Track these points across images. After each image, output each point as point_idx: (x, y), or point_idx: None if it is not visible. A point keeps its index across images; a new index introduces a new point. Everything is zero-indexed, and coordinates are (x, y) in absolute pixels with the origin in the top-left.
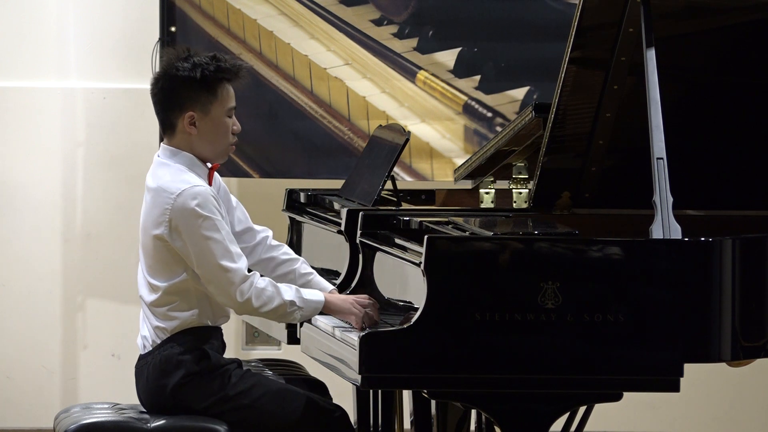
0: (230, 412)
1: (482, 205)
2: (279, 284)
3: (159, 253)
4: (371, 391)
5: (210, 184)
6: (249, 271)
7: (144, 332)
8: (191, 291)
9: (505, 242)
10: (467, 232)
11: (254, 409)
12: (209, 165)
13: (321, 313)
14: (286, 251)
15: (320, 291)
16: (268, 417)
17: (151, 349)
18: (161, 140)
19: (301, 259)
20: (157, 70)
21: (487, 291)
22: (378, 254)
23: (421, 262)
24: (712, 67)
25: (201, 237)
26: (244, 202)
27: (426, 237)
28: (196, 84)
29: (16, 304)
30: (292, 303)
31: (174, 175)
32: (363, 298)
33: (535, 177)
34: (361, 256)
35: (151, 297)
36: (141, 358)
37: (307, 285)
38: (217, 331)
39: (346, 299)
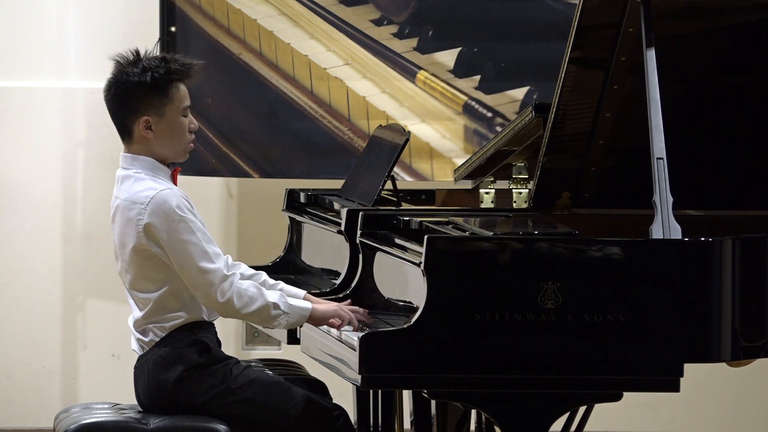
0: (231, 405)
1: (482, 205)
2: (263, 288)
3: (141, 266)
4: (371, 391)
5: (175, 185)
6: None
7: (138, 335)
8: (182, 291)
9: (505, 242)
10: (467, 232)
11: (255, 404)
12: (171, 166)
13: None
14: (247, 267)
15: (306, 300)
16: (268, 413)
17: (148, 348)
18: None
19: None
20: (110, 76)
21: (487, 291)
22: (378, 254)
23: (421, 262)
24: (712, 67)
25: (177, 241)
26: (244, 202)
27: (426, 237)
28: (148, 88)
29: (16, 304)
30: (275, 305)
31: (139, 185)
32: (347, 304)
33: (535, 177)
34: (361, 256)
35: (143, 311)
36: (140, 358)
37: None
38: (212, 327)
39: (330, 305)
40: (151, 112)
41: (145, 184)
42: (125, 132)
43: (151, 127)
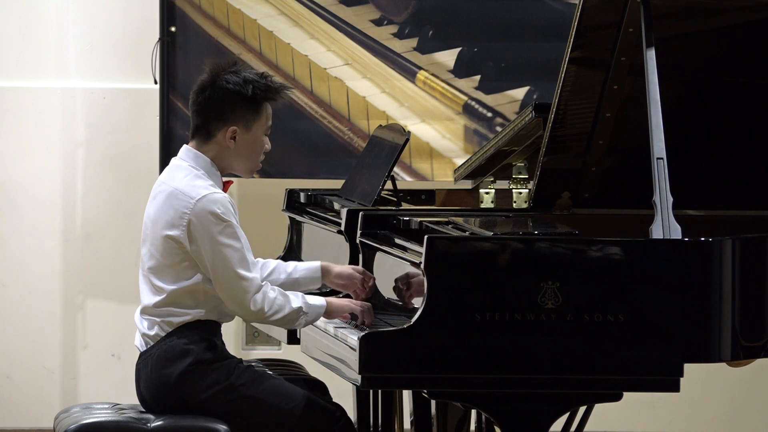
0: (232, 402)
1: (482, 205)
2: (286, 292)
3: (169, 254)
4: (371, 391)
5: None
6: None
7: (144, 330)
8: (200, 292)
9: (505, 242)
10: (467, 232)
11: (256, 403)
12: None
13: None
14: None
15: (321, 297)
16: (269, 412)
17: (153, 343)
18: (163, 141)
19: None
20: (204, 77)
21: (487, 291)
22: (378, 254)
23: (421, 262)
24: (712, 67)
25: (219, 243)
26: (244, 202)
27: (426, 237)
28: (245, 100)
29: (16, 304)
30: (299, 310)
31: (193, 180)
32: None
33: (535, 177)
34: (361, 256)
35: (155, 299)
36: (143, 354)
37: (293, 272)
38: (219, 328)
39: (343, 300)
40: (241, 123)
41: (201, 182)
42: (204, 133)
43: (236, 138)
